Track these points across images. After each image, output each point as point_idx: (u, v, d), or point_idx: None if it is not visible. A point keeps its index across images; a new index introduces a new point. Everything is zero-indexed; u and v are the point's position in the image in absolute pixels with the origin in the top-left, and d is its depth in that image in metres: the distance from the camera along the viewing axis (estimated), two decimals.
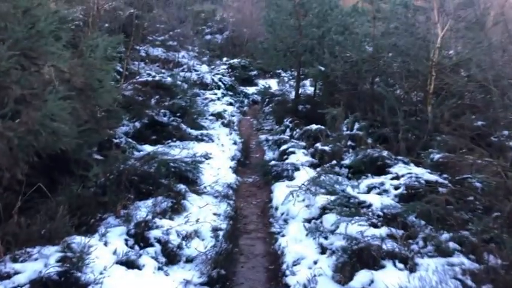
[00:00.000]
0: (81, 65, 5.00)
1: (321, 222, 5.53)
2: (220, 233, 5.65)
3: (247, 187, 8.19)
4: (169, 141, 10.33)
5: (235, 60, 19.88)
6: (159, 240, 4.79)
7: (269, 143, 9.69)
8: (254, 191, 7.95)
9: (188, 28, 23.51)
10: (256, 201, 7.46)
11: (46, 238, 4.09)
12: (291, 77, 20.15)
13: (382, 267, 3.94)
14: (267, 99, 16.14)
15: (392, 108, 8.98)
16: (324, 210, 5.75)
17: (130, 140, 9.66)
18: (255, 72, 20.26)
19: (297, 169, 7.97)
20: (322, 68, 10.61)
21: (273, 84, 19.03)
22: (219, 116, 13.71)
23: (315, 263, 4.64)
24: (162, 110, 11.48)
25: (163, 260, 4.55)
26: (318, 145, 8.56)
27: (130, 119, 10.73)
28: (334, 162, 7.72)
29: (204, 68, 19.83)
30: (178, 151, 8.85)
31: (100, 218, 5.34)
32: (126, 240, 4.61)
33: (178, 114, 11.71)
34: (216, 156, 9.42)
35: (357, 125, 8.99)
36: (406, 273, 3.74)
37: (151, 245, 4.69)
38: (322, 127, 9.15)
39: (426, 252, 4.40)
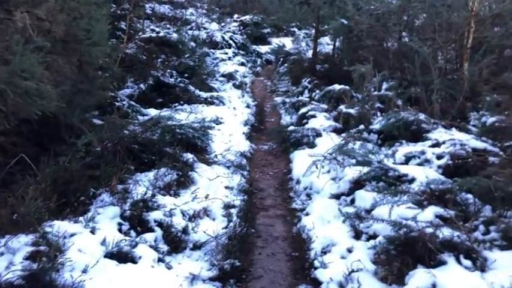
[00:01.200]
0: (61, 11, 4.04)
1: (353, 199, 4.66)
2: (234, 211, 4.83)
3: (262, 155, 7.32)
4: (176, 104, 9.44)
5: (247, 17, 18.58)
6: (160, 224, 3.97)
7: (286, 106, 8.72)
8: (270, 160, 7.09)
9: None
10: (273, 172, 6.61)
11: (19, 225, 3.28)
12: (306, 35, 18.92)
13: (442, 263, 3.08)
14: (281, 59, 15.01)
15: (424, 65, 7.91)
16: (355, 184, 4.87)
17: (133, 103, 8.81)
18: (268, 30, 18.99)
19: (319, 135, 7.06)
20: (345, 22, 9.44)
21: (287, 42, 17.81)
22: (230, 76, 12.71)
23: (349, 251, 3.81)
24: (169, 71, 10.54)
25: (164, 248, 3.76)
26: (342, 107, 7.59)
27: (135, 80, 9.83)
28: (361, 127, 6.76)
29: (214, 26, 18.62)
30: (185, 115, 7.96)
31: (93, 195, 4.54)
32: (119, 224, 3.81)
33: (186, 75, 10.75)
34: (228, 121, 8.52)
35: (384, 85, 7.95)
36: (477, 275, 2.88)
37: (151, 230, 3.88)
38: (347, 87, 8.14)
39: (490, 240, 3.53)
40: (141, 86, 9.73)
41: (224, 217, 4.67)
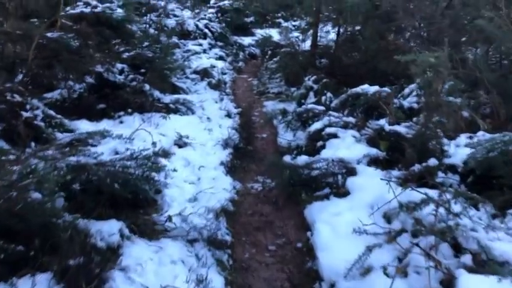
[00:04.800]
0: None
1: None
2: None
3: (254, 205, 4.33)
4: (122, 113, 6.38)
5: (226, 2, 15.50)
6: None
7: (287, 117, 5.69)
8: (269, 215, 4.11)
9: None
10: (275, 246, 3.63)
11: None
12: (294, 27, 16.00)
13: None
14: (269, 52, 12.05)
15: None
16: None
17: (53, 113, 5.72)
18: (251, 19, 15.94)
19: (351, 172, 4.13)
20: None
21: (273, 34, 14.85)
22: (204, 73, 9.65)
23: None
24: (118, 65, 7.45)
25: None
26: (383, 123, 4.66)
27: (62, 78, 6.71)
28: (431, 161, 3.84)
29: (187, 13, 15.48)
30: (127, 132, 4.96)
31: None
32: None
33: (142, 71, 7.66)
34: (198, 140, 5.50)
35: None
36: None
37: None
38: (387, 89, 5.19)
39: None
40: (76, 85, 6.65)
41: None
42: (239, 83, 10.22)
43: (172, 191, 3.97)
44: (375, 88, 5.19)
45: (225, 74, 10.42)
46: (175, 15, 14.83)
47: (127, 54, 7.90)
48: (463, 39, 6.66)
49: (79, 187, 3.22)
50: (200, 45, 12.29)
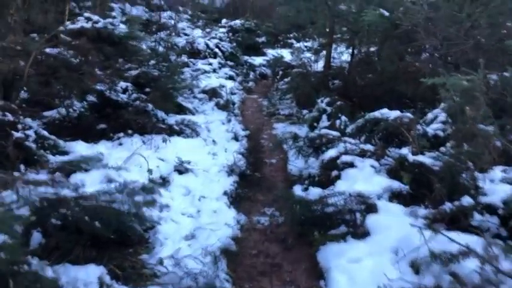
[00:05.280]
0: None
1: None
2: None
3: (259, 242, 3.83)
4: (122, 134, 5.97)
5: (238, 22, 15.24)
6: None
7: (298, 142, 5.20)
8: (276, 257, 3.60)
9: None
10: None
11: None
12: (306, 48, 15.68)
13: None
14: (280, 72, 11.69)
15: None
16: None
17: (46, 134, 5.35)
18: (263, 39, 15.65)
19: (371, 208, 3.62)
20: (385, 13, 6.12)
21: (285, 54, 14.54)
22: (213, 93, 9.29)
23: None
24: (123, 84, 7.11)
25: None
26: (405, 153, 4.16)
27: (63, 96, 6.36)
28: (465, 200, 3.32)
29: (197, 32, 15.27)
30: (123, 155, 4.54)
31: None
32: None
33: (147, 90, 7.30)
34: (201, 166, 5.04)
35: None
36: None
37: None
38: (408, 115, 4.70)
39: None
40: (74, 104, 6.30)
41: None
42: (248, 104, 9.82)
43: (166, 227, 3.50)
44: (395, 113, 4.71)
45: (234, 94, 10.05)
46: (185, 34, 14.68)
47: (131, 72, 7.61)
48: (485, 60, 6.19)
49: (58, 222, 2.78)
50: (210, 64, 12.00)
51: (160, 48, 11.18)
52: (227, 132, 6.70)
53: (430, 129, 4.59)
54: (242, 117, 8.39)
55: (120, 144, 5.75)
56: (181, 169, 4.81)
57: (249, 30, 15.05)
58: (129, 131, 5.96)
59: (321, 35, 12.16)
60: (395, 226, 3.40)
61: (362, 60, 8.70)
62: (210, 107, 8.53)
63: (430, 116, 5.10)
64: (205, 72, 11.25)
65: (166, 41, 11.73)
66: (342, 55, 10.41)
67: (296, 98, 8.97)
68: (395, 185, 3.93)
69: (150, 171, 4.18)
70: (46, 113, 6.37)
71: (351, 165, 4.36)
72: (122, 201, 2.92)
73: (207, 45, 12.91)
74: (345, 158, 4.42)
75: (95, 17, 6.03)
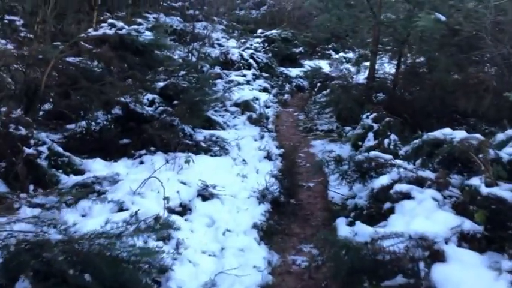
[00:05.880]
0: None
1: None
2: None
3: None
4: (143, 151, 5.43)
5: (274, 32, 14.66)
6: None
7: (341, 166, 4.43)
8: None
9: None
10: None
11: None
12: (345, 59, 14.93)
13: None
14: (318, 84, 10.98)
15: None
16: None
17: (61, 150, 4.90)
18: (300, 50, 15.01)
19: (437, 255, 2.86)
20: (442, 18, 5.33)
21: (323, 65, 13.83)
22: (245, 106, 8.71)
23: None
24: (149, 95, 6.64)
25: None
26: (477, 183, 3.36)
27: (83, 108, 5.92)
28: None
29: (232, 42, 14.81)
30: (146, 175, 3.95)
31: None
32: None
33: (175, 102, 6.80)
34: (228, 189, 4.40)
35: None
36: None
37: None
38: (479, 136, 3.89)
39: None
40: (96, 117, 5.86)
41: None
42: (283, 118, 9.16)
43: (182, 271, 2.86)
44: (461, 133, 3.91)
45: (268, 107, 9.44)
46: (220, 45, 14.24)
47: (159, 83, 7.15)
48: None
49: (41, 268, 2.20)
50: (244, 75, 11.46)
51: (194, 59, 10.80)
52: (259, 150, 6.05)
53: (505, 154, 3.77)
54: (276, 132, 7.73)
55: (142, 162, 5.21)
56: (205, 194, 4.19)
57: (285, 40, 14.45)
58: (152, 148, 5.42)
59: (361, 45, 11.43)
60: (471, 281, 2.64)
61: (410, 71, 7.88)
62: (241, 122, 7.93)
63: (500, 137, 4.26)
64: (239, 84, 10.69)
65: (198, 51, 11.30)
66: (384, 67, 9.63)
67: (336, 112, 8.23)
68: (467, 224, 3.14)
69: (167, 199, 3.57)
70: (67, 126, 5.99)
71: (408, 196, 3.59)
72: (124, 246, 2.30)
73: (241, 56, 12.40)
74: (400, 187, 3.66)
75: (119, 24, 5.57)
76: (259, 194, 4.42)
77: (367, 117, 5.92)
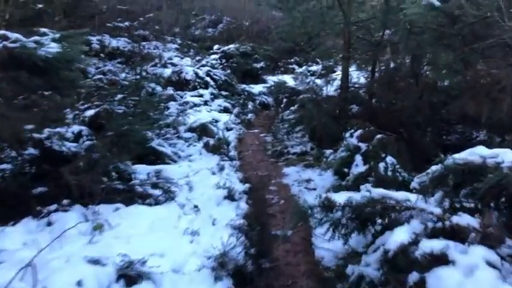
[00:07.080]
0: None
1: None
2: None
3: None
4: (55, 205, 3.90)
5: (232, 46, 13.39)
6: None
7: (333, 212, 3.04)
8: None
9: (167, 14, 17.44)
10: None
11: None
12: (309, 72, 13.84)
13: None
14: (284, 100, 9.73)
15: None
16: None
17: None
18: (261, 64, 13.79)
19: None
20: (436, 2, 4.15)
21: (287, 80, 12.65)
22: (202, 130, 7.32)
23: None
24: (76, 127, 5.17)
25: None
26: None
27: None
28: None
29: (187, 61, 13.43)
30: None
31: None
32: None
33: (109, 133, 5.30)
34: (169, 259, 2.95)
35: None
36: None
37: None
38: None
39: None
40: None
41: None
42: (248, 141, 7.78)
43: None
44: (510, 154, 2.63)
45: (230, 129, 8.06)
46: (173, 64, 12.83)
47: (89, 111, 5.71)
48: None
49: None
50: (200, 95, 10.07)
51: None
52: (218, 188, 4.63)
53: None
54: (240, 160, 6.34)
55: (49, 223, 3.69)
56: (130, 275, 2.72)
57: (245, 55, 13.18)
58: (65, 201, 3.91)
59: (327, 54, 10.32)
60: None
61: (389, 76, 6.71)
62: (197, 150, 6.51)
63: None
64: (195, 105, 9.30)
65: (145, 71, 9.87)
66: (352, 76, 8.51)
67: (309, 130, 6.94)
68: None
69: None
70: None
71: (444, 260, 2.26)
72: None
73: (197, 74, 11.01)
74: (431, 246, 2.32)
75: (13, 35, 4.10)
76: (216, 262, 2.98)
77: (351, 135, 4.62)
